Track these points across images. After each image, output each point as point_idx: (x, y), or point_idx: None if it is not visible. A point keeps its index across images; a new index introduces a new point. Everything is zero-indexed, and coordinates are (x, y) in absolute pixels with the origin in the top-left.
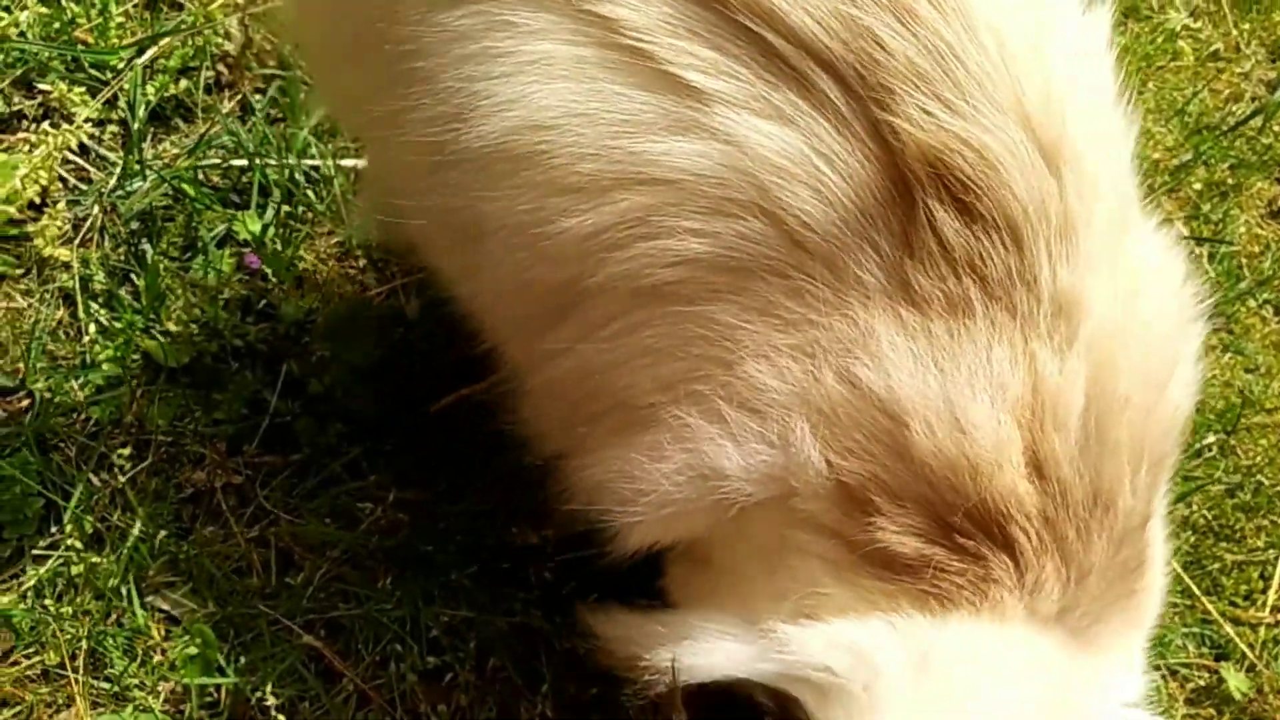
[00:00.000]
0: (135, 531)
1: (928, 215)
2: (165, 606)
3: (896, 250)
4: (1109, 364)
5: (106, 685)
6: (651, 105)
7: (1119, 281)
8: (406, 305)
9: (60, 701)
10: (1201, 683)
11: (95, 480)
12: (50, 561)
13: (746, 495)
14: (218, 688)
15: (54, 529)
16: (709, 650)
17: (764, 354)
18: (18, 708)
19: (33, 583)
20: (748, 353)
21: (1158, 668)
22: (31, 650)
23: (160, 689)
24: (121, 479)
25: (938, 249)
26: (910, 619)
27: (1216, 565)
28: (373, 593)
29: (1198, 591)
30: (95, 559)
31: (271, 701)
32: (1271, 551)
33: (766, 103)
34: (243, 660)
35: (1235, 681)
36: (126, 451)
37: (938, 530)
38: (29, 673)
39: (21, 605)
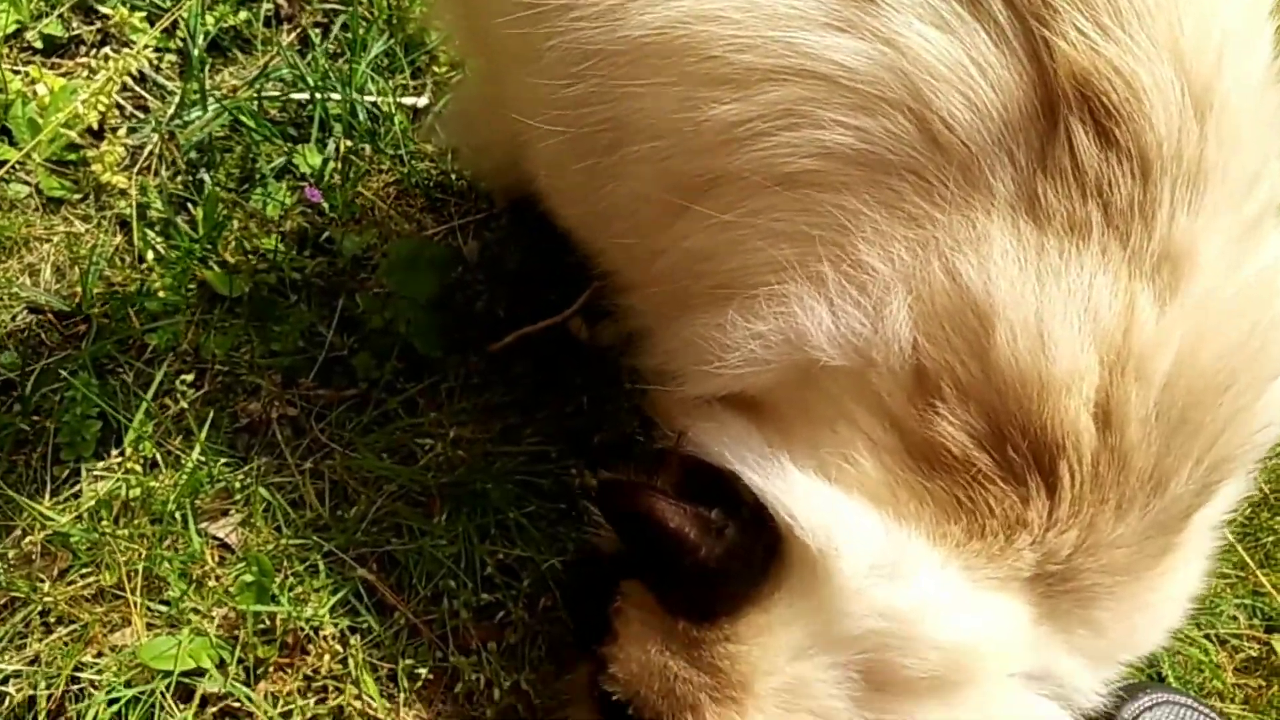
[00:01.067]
0: (193, 457)
1: (1068, 134)
2: (220, 534)
3: (1032, 164)
4: (1212, 339)
5: (163, 608)
6: (817, 2)
7: (1247, 262)
8: (465, 247)
9: (116, 621)
10: (1252, 653)
11: (153, 407)
12: (109, 483)
13: (828, 359)
14: (272, 616)
15: (113, 452)
16: (720, 437)
17: (880, 242)
18: (74, 625)
19: (90, 504)
20: (864, 239)
21: (1207, 636)
22: (88, 570)
23: (215, 614)
24: (183, 403)
25: (1071, 169)
26: (907, 532)
27: (1271, 539)
28: (427, 528)
29: (1251, 563)
30: (153, 483)
31: (326, 631)
32: None
33: (932, 9)
34: (297, 590)
35: None
36: (190, 377)
37: (992, 438)
38: (85, 592)
39: (79, 525)
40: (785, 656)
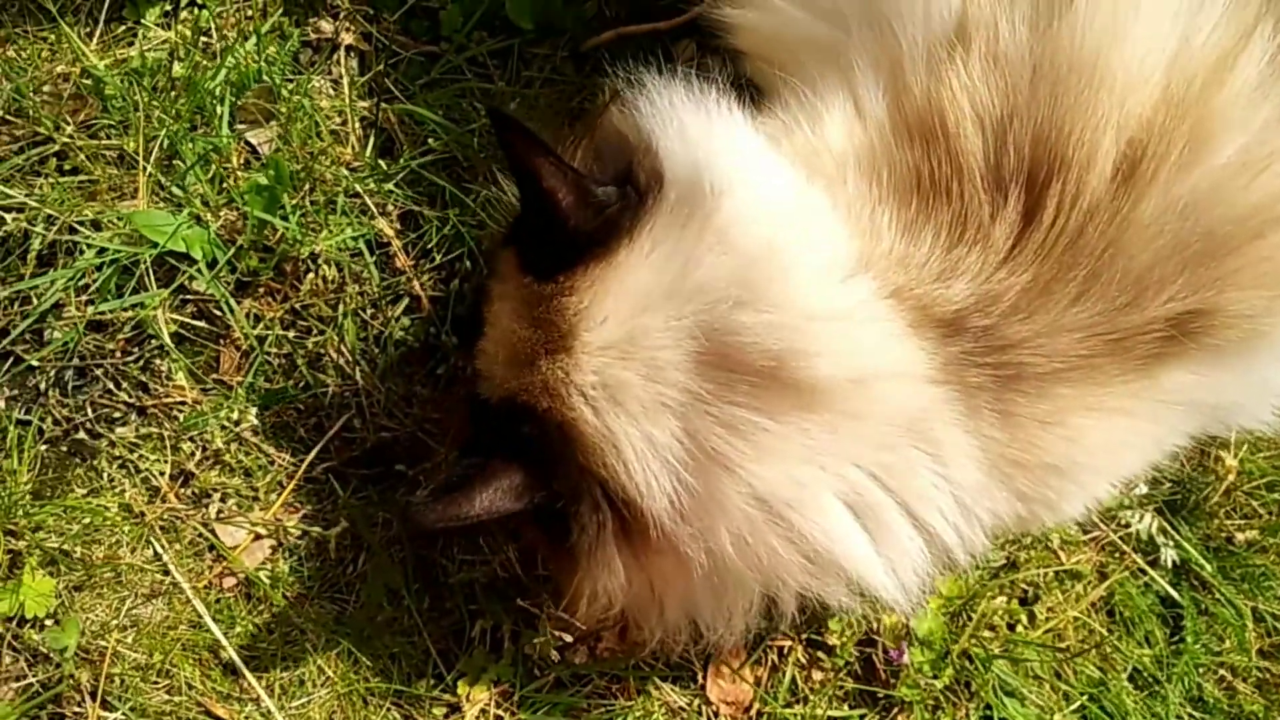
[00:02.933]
0: (248, 47)
1: None
2: (254, 140)
3: None
4: None
5: (175, 191)
6: None
7: None
8: None
9: (126, 189)
10: None
11: None
12: (160, 53)
13: None
14: (275, 234)
15: (174, 23)
16: (666, 96)
17: None
18: (85, 178)
19: (136, 64)
20: None
21: (1250, 606)
22: (114, 131)
23: (222, 214)
24: None
25: None
26: (826, 202)
27: None
28: (462, 199)
29: None
30: (201, 59)
31: (325, 271)
32: None
33: None
34: (311, 217)
35: None
36: None
37: (997, 122)
38: (106, 151)
39: (118, 80)
40: (628, 307)
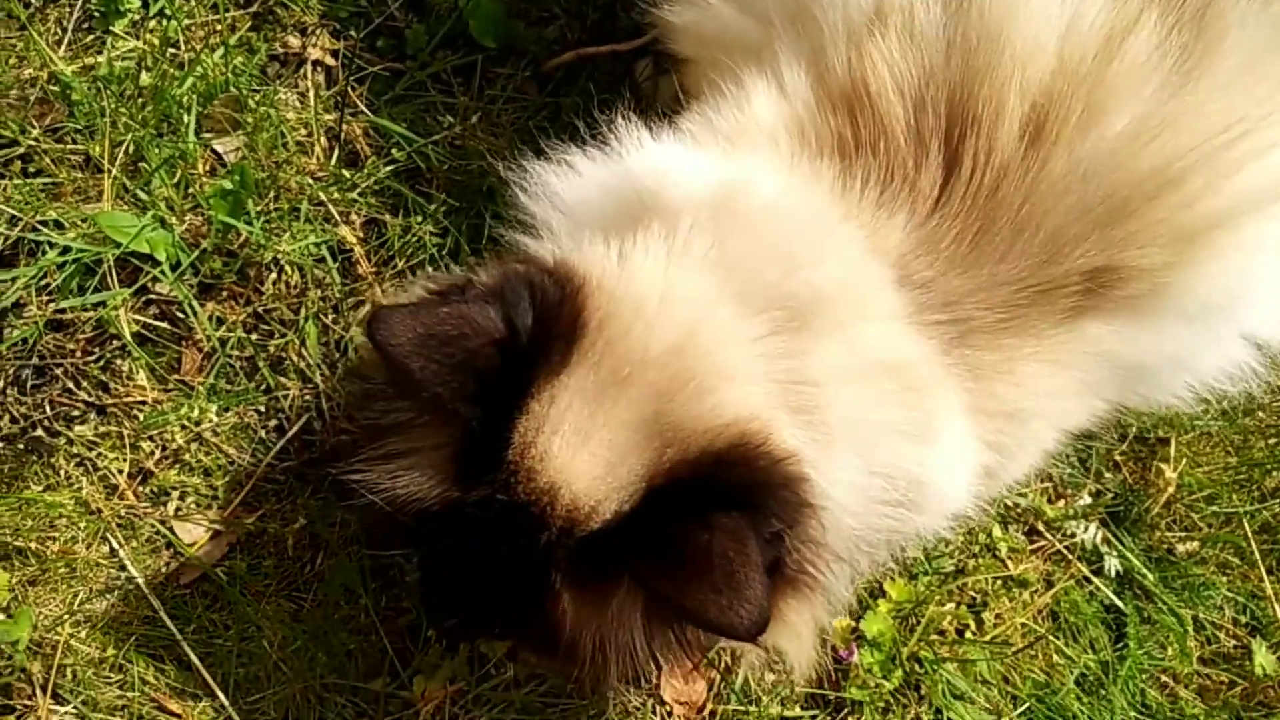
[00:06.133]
0: (215, 58)
1: None
2: (219, 148)
3: None
4: (1186, 127)
5: (140, 195)
6: None
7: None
8: None
9: (90, 193)
10: (1226, 648)
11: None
12: (128, 63)
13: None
14: (239, 237)
15: (142, 35)
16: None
17: None
18: (49, 180)
19: (104, 71)
20: None
21: (1192, 615)
22: (80, 136)
23: (186, 218)
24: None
25: None
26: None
27: None
28: (423, 208)
29: (1260, 562)
30: (169, 68)
31: (288, 276)
32: None
33: None
34: (272, 223)
35: (1262, 659)
36: None
37: (915, 89)
38: (72, 156)
39: (85, 84)
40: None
